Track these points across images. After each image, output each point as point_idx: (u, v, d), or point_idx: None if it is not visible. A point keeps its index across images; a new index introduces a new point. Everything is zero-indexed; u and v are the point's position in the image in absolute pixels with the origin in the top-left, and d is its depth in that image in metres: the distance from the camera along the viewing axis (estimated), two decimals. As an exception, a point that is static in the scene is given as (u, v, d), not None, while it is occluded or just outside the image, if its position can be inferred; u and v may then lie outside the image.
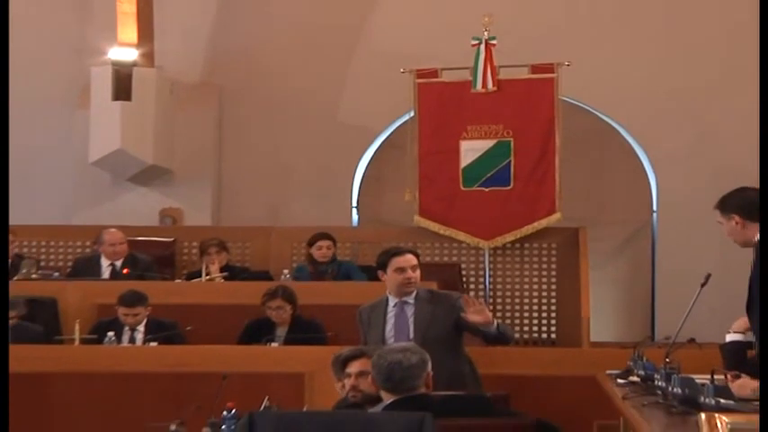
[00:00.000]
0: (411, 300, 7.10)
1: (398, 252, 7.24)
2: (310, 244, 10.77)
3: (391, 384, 5.12)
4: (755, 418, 3.81)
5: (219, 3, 13.12)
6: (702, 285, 5.91)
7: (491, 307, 11.37)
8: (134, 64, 12.24)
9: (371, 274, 10.83)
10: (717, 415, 2.94)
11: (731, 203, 5.39)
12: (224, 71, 13.09)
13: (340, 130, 13.01)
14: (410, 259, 7.14)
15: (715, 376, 4.62)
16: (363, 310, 7.28)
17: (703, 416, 2.95)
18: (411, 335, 6.90)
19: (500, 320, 7.26)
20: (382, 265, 7.19)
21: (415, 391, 5.11)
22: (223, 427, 5.60)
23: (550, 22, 12.62)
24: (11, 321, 8.53)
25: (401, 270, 7.08)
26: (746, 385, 4.75)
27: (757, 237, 5.18)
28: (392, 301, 7.14)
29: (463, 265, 11.54)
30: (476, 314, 6.76)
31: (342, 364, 5.63)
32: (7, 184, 7.88)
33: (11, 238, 10.44)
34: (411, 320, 7.04)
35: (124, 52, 12.29)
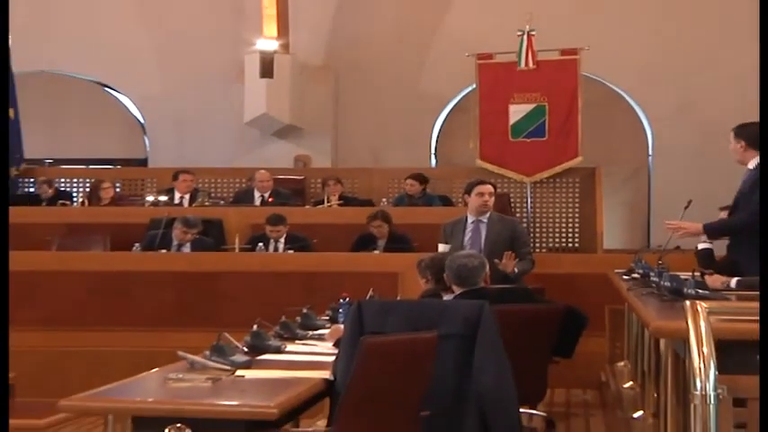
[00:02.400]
0: (485, 219, 7.04)
1: (482, 182, 7.21)
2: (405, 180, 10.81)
3: (459, 281, 5.09)
4: (726, 303, 3.77)
5: (336, 7, 13.07)
6: (685, 208, 5.83)
7: (532, 224, 11.40)
8: (275, 52, 12.29)
9: (445, 201, 10.87)
10: (697, 302, 2.88)
11: (743, 131, 5.38)
12: (339, 56, 13.08)
13: (422, 97, 12.97)
14: (489, 188, 7.11)
15: (694, 273, 4.56)
16: (447, 224, 7.21)
17: (687, 302, 2.89)
18: (482, 247, 6.87)
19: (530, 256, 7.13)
20: (468, 191, 7.16)
21: (476, 285, 5.08)
22: (340, 310, 5.61)
23: (574, 17, 12.42)
24: (192, 236, 8.66)
25: (481, 194, 7.03)
26: (717, 279, 4.71)
27: (755, 161, 5.27)
28: (470, 218, 7.08)
29: (511, 195, 11.46)
30: (504, 267, 6.70)
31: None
32: (7, 179, 7.75)
33: (190, 177, 10.56)
34: (483, 236, 7.00)
35: (268, 43, 12.33)
